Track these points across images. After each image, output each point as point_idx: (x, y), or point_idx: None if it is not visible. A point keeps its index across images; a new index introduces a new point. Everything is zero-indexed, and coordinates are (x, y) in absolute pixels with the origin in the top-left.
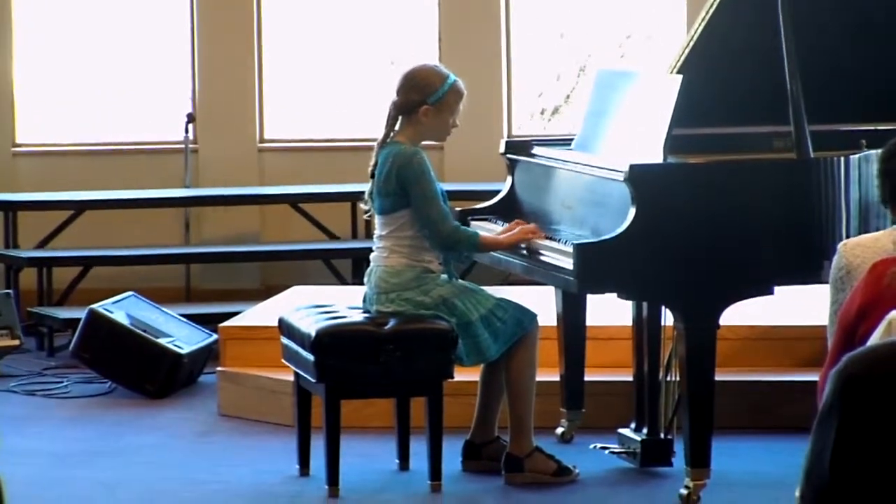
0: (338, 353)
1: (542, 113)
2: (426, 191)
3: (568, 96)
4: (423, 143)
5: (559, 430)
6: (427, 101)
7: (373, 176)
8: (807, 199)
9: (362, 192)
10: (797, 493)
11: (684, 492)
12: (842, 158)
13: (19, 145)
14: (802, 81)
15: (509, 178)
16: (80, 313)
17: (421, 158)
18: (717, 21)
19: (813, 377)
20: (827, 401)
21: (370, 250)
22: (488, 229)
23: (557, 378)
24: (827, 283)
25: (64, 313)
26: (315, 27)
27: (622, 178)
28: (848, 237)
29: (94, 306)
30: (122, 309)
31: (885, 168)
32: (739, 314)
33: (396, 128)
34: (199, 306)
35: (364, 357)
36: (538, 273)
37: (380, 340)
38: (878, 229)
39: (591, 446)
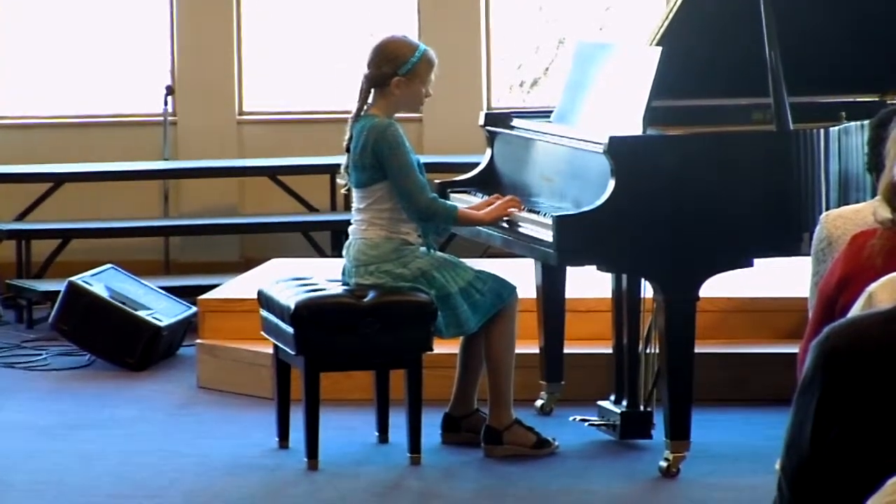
0: (317, 325)
1: (521, 85)
2: (401, 163)
3: (547, 68)
4: (398, 114)
5: (539, 403)
6: (398, 72)
7: (348, 150)
8: (786, 172)
9: (341, 165)
10: (777, 465)
11: (664, 464)
12: (821, 131)
13: None
14: (782, 53)
15: (489, 151)
16: (60, 286)
17: (395, 130)
18: None
19: (792, 349)
20: (808, 372)
21: (349, 223)
22: (467, 201)
23: (537, 350)
24: (806, 255)
25: (43, 286)
26: None
27: (601, 150)
28: (827, 210)
29: (73, 279)
30: (101, 281)
31: (872, 136)
32: (719, 286)
33: (370, 101)
34: (178, 279)
35: (343, 329)
36: (518, 245)
37: (359, 313)
38: (857, 202)
39: (571, 419)
